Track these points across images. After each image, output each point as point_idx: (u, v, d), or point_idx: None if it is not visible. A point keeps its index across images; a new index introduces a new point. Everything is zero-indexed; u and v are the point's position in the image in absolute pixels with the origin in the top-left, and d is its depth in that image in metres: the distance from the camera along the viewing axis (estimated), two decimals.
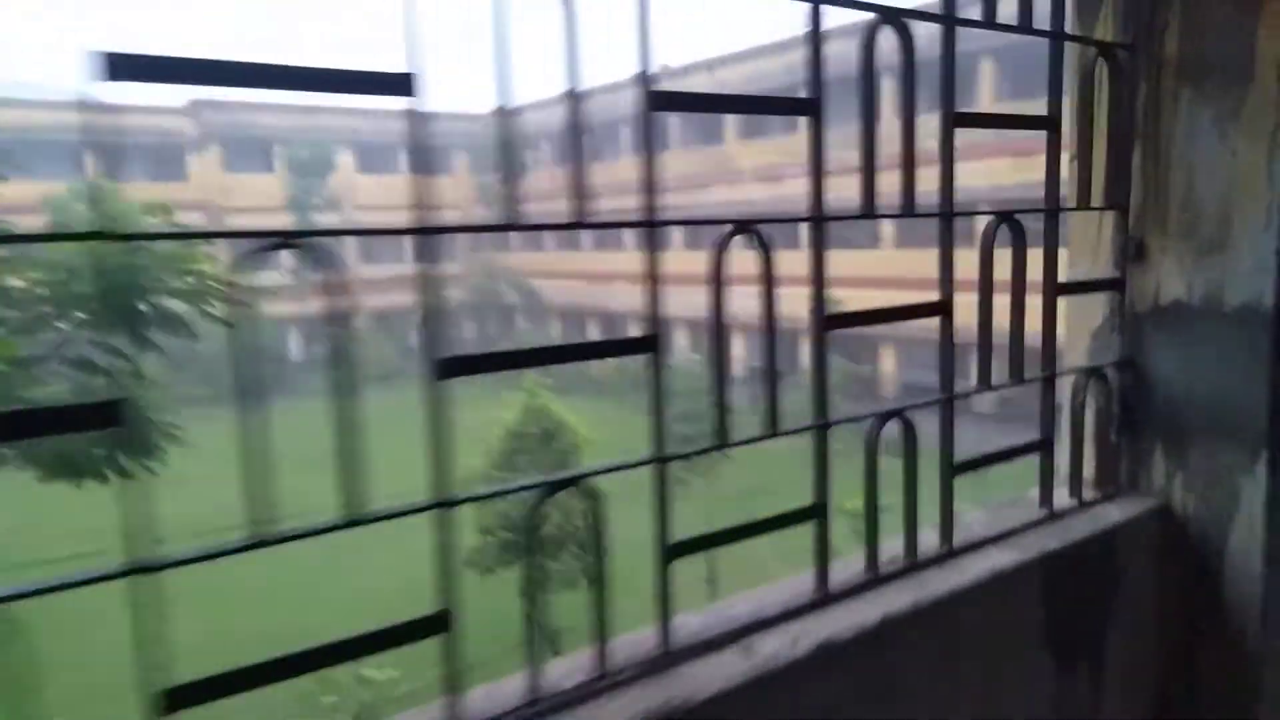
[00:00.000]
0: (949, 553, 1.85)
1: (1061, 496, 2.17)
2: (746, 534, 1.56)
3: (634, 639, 1.50)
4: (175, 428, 8.95)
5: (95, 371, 7.60)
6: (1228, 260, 2.04)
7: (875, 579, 1.73)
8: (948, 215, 1.79)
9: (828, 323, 1.63)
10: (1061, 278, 2.16)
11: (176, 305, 7.59)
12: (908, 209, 1.73)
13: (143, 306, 7.43)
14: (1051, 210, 1.99)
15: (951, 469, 1.86)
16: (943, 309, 1.80)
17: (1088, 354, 2.28)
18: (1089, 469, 2.24)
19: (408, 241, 1.28)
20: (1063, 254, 2.28)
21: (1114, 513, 2.13)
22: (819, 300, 1.61)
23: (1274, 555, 2.06)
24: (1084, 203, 2.12)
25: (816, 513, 1.63)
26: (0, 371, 7.39)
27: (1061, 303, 2.13)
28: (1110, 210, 2.18)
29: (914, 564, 1.79)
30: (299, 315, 37.88)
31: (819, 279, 1.60)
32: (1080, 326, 2.30)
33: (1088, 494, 2.19)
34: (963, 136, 1.81)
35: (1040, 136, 1.97)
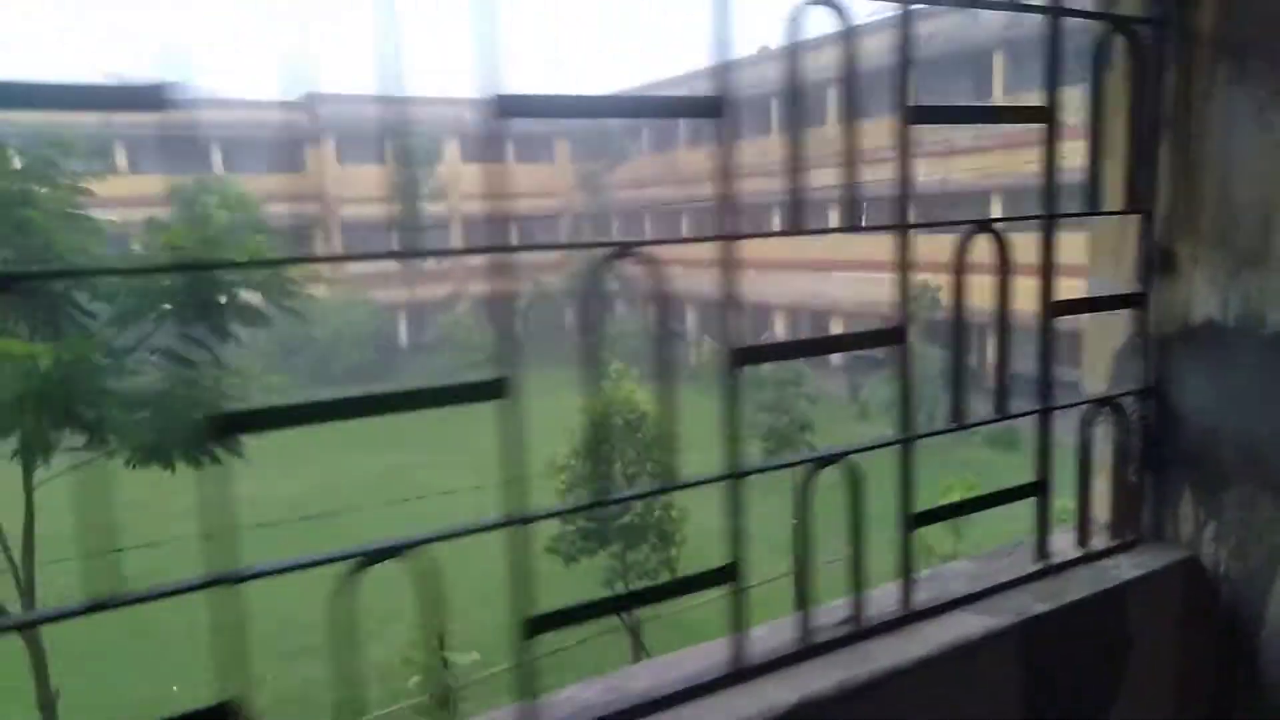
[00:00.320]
0: (906, 616, 1.61)
1: (1069, 545, 1.88)
2: (630, 604, 1.37)
3: (502, 715, 1.33)
4: None
5: (181, 362, 7.89)
6: (1269, 274, 1.71)
7: (808, 649, 1.51)
8: (903, 228, 1.53)
9: (742, 356, 1.41)
10: (1079, 292, 1.89)
11: (251, 297, 7.79)
12: (850, 219, 1.49)
13: (221, 298, 7.66)
14: (1046, 216, 1.70)
15: (911, 520, 1.61)
16: (897, 337, 1.55)
17: (1109, 379, 1.97)
18: (1104, 514, 1.94)
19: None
20: (1075, 257, 1.99)
21: (1127, 567, 1.83)
22: (730, 331, 1.39)
23: None
24: (1096, 207, 1.82)
25: (730, 574, 1.42)
26: (95, 363, 7.73)
27: (1073, 321, 1.85)
28: (1131, 215, 1.86)
29: (859, 631, 1.56)
30: (408, 301, 38.98)
31: (730, 308, 1.39)
32: (1102, 348, 1.99)
33: (1100, 543, 1.89)
34: None
35: None
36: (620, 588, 13.54)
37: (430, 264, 39.43)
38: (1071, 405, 1.85)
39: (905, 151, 1.52)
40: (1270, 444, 1.74)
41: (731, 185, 1.36)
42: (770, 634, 1.52)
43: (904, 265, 1.54)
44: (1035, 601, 1.68)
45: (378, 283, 38.52)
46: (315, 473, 22.56)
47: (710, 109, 1.33)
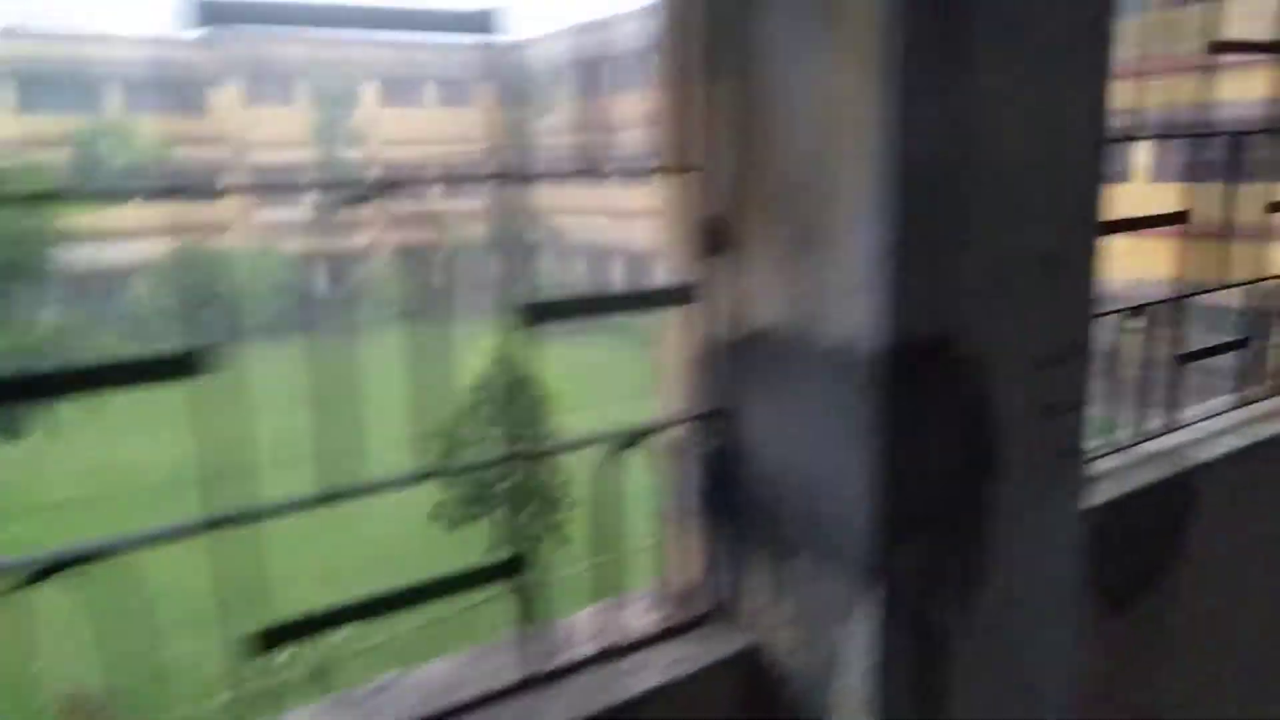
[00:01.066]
0: None
1: (620, 627, 1.38)
2: None
3: None
4: None
5: None
6: (827, 263, 1.20)
7: None
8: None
9: None
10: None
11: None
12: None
13: (23, 261, 6.85)
14: (463, 178, 1.16)
15: (259, 640, 1.08)
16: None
17: (682, 399, 1.45)
18: (664, 582, 1.44)
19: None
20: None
21: (662, 665, 1.33)
22: None
23: None
24: (651, 164, 1.29)
25: None
26: None
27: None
28: (681, 175, 1.34)
29: None
30: (325, 251, 37.73)
31: None
32: (674, 358, 1.47)
33: (645, 623, 1.40)
34: None
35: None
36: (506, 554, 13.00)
37: (348, 213, 38.18)
38: (585, 444, 1.33)
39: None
40: (832, 496, 1.24)
41: None
42: None
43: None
44: None
45: (292, 232, 37.13)
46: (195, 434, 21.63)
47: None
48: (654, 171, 1.35)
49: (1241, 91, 2.52)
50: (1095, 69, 1.28)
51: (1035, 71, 1.20)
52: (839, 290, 1.17)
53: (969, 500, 1.27)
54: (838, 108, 1.14)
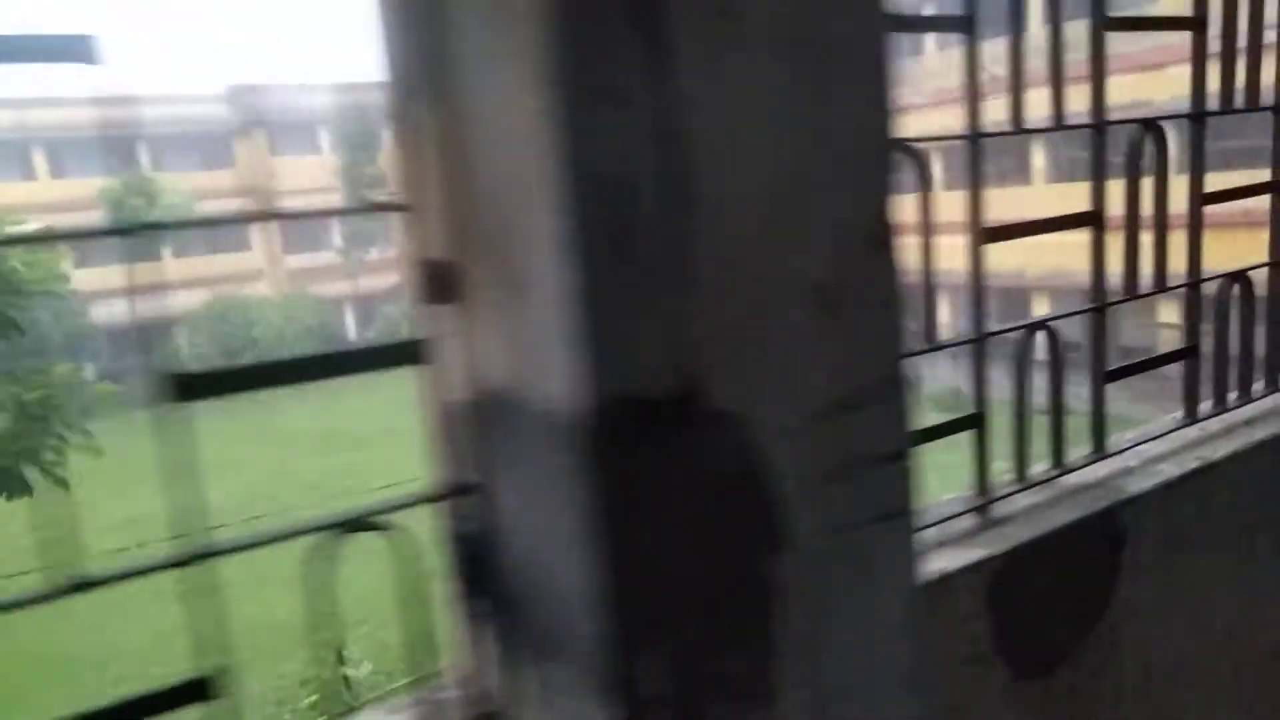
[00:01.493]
0: None
1: None
2: None
3: None
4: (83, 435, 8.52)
5: None
6: (531, 311, 1.00)
7: None
8: None
9: None
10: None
11: None
12: None
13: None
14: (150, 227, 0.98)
15: None
16: None
17: (434, 470, 1.25)
18: (432, 688, 1.23)
19: None
20: None
21: None
22: None
23: None
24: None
25: None
26: None
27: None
28: (402, 215, 1.14)
29: None
30: (352, 294, 38.10)
31: None
32: (423, 426, 1.27)
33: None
34: None
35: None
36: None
37: (375, 255, 38.56)
38: (293, 536, 1.13)
39: None
40: (569, 591, 1.03)
41: None
42: None
43: None
44: None
45: (321, 276, 37.66)
46: (250, 476, 21.79)
47: None
48: (378, 209, 1.16)
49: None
50: (869, 61, 1.06)
51: (772, 65, 0.99)
52: (545, 343, 0.97)
53: (745, 587, 1.05)
54: (520, 127, 0.94)
